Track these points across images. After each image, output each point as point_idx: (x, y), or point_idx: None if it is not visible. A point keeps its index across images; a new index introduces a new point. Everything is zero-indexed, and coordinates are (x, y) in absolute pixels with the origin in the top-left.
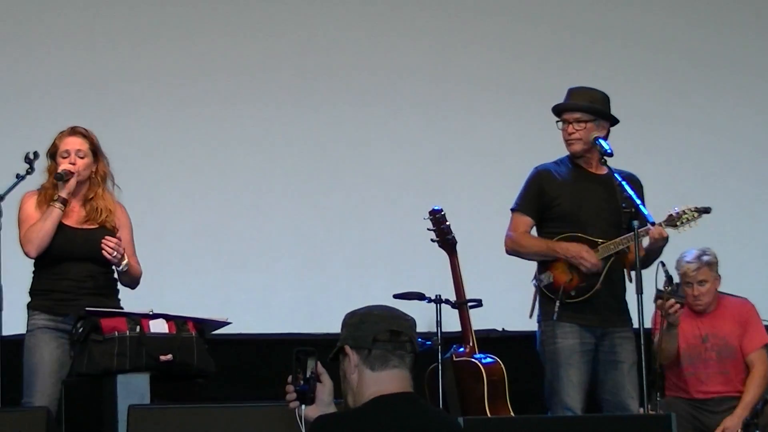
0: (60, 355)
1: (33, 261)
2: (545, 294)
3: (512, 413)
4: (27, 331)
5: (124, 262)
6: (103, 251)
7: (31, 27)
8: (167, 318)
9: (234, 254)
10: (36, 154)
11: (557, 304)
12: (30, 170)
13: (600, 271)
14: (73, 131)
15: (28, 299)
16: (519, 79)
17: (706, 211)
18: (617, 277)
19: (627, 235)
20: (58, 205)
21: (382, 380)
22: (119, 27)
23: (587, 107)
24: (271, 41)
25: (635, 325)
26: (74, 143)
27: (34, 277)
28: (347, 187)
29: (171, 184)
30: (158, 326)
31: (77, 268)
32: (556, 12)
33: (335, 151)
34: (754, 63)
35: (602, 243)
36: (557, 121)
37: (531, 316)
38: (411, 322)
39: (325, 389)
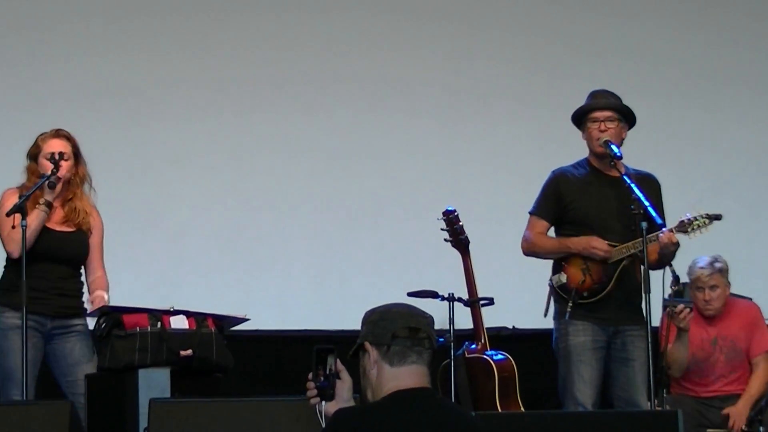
0: (35, 354)
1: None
2: (559, 294)
3: (522, 409)
4: None
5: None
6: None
7: (54, 36)
8: (188, 314)
9: (253, 254)
10: (61, 154)
11: (570, 304)
12: (54, 170)
13: (611, 258)
14: (57, 134)
15: None
16: (529, 88)
17: (717, 218)
18: (630, 278)
19: (640, 239)
20: (43, 208)
21: (401, 376)
22: (143, 37)
23: (621, 106)
24: (292, 53)
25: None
26: (58, 145)
27: (6, 275)
28: (364, 190)
29: (193, 187)
30: (179, 322)
31: (52, 269)
32: (565, 26)
33: (352, 156)
34: (761, 71)
35: (617, 246)
36: (584, 122)
37: (546, 315)
38: (429, 320)
39: (344, 385)
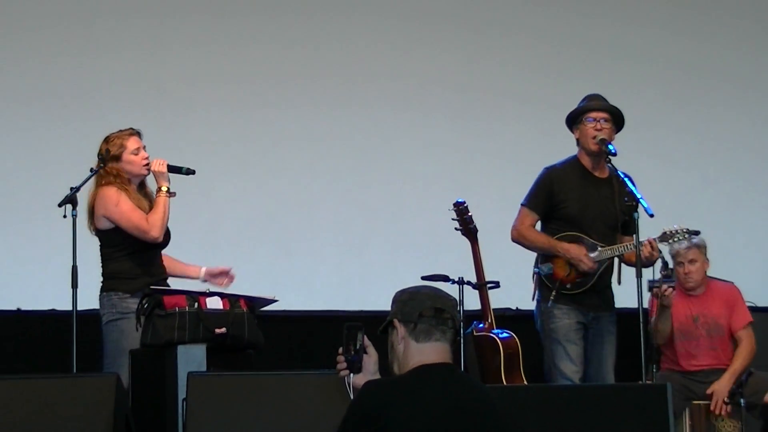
0: None
1: (108, 247)
2: (543, 282)
3: (525, 382)
4: (118, 312)
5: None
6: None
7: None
8: (222, 296)
9: (281, 242)
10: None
11: (553, 293)
12: (101, 165)
13: (595, 272)
14: (133, 131)
15: (109, 282)
16: (534, 89)
17: (696, 233)
18: (607, 272)
19: (622, 244)
20: (166, 194)
21: (425, 351)
22: (183, 35)
23: (616, 110)
24: (319, 54)
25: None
26: (138, 142)
27: (119, 263)
28: (383, 183)
29: (228, 183)
30: (214, 303)
31: (157, 256)
32: (566, 31)
33: (373, 151)
34: (739, 72)
35: (602, 247)
36: (580, 121)
37: (533, 299)
38: (453, 302)
39: (371, 360)
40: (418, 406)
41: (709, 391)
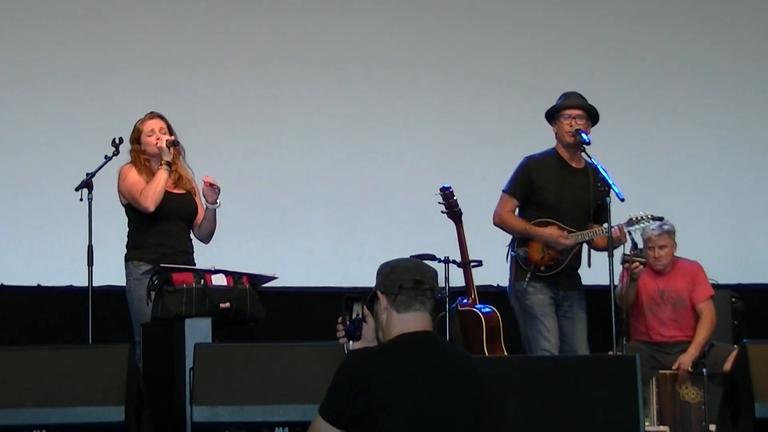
0: None
1: (130, 221)
2: (519, 264)
3: (506, 353)
4: (134, 279)
5: (220, 201)
6: (210, 185)
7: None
8: (226, 273)
9: (281, 223)
10: (121, 140)
11: (528, 275)
12: (116, 152)
13: (571, 249)
14: (152, 115)
15: (128, 252)
16: (516, 79)
17: (659, 219)
18: (576, 257)
19: (594, 228)
20: (165, 167)
21: (406, 321)
22: (185, 23)
23: (591, 108)
24: (313, 43)
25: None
26: (156, 124)
27: (136, 234)
28: (374, 168)
29: (231, 167)
30: (219, 280)
31: (175, 227)
32: (549, 21)
33: (364, 138)
34: (702, 63)
35: (574, 233)
36: (557, 117)
37: (510, 279)
38: (433, 273)
39: (369, 328)
40: (398, 372)
41: (675, 365)
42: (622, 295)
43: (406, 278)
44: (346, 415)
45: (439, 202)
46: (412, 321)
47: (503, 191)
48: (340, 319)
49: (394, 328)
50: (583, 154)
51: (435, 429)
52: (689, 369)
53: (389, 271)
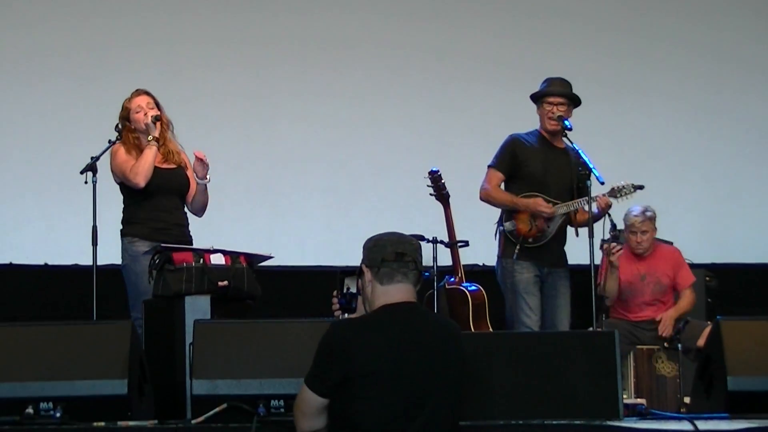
0: None
1: (124, 198)
2: (508, 238)
3: (491, 329)
4: (129, 256)
5: (209, 176)
6: (200, 160)
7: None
8: (224, 253)
9: (277, 205)
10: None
11: (517, 247)
12: (119, 137)
13: (554, 219)
14: (138, 92)
15: (123, 228)
16: (503, 63)
17: (641, 187)
18: (561, 232)
19: (577, 199)
20: (153, 143)
21: (389, 292)
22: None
23: (572, 95)
24: (307, 30)
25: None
26: (142, 100)
27: (130, 210)
28: (366, 152)
29: (229, 151)
30: (217, 259)
31: (167, 201)
32: (535, 6)
33: (357, 122)
34: (680, 51)
35: (558, 204)
36: (540, 102)
37: (499, 255)
38: (415, 245)
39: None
40: (379, 341)
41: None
42: (606, 287)
43: (388, 251)
44: (329, 384)
45: (428, 185)
46: (394, 292)
47: (489, 166)
48: (335, 293)
49: (378, 300)
50: (564, 138)
51: (416, 395)
52: (665, 344)
53: (372, 245)
